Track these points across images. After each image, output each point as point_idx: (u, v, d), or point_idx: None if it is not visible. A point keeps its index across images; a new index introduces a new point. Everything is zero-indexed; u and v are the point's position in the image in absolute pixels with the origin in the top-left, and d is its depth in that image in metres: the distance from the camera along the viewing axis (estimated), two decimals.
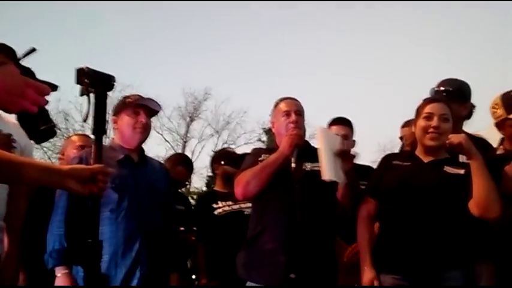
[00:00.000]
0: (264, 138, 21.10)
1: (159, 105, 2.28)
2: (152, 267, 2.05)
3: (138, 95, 2.30)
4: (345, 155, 1.98)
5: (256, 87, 29.00)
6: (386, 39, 29.15)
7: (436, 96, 2.19)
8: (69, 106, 18.44)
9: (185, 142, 21.30)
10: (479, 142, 2.25)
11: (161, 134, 20.93)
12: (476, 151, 1.90)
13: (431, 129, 2.01)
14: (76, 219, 2.00)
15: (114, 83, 1.33)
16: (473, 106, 2.35)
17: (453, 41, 28.90)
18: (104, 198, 1.96)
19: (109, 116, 2.08)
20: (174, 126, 21.49)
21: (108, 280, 1.90)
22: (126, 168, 2.13)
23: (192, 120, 21.82)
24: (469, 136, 2.28)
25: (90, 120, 1.31)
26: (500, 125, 2.03)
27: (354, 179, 2.07)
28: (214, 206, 2.93)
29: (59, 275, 1.98)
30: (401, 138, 2.91)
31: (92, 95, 1.30)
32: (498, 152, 2.11)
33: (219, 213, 2.90)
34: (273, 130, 2.31)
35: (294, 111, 2.18)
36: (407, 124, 2.83)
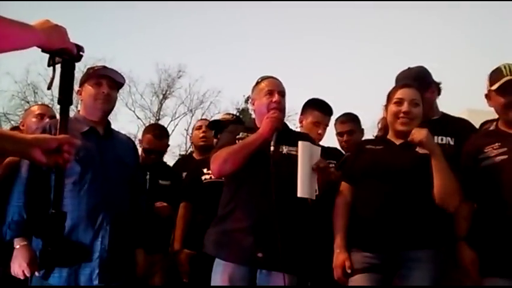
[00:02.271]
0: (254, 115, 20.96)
1: (122, 77, 2.25)
2: (116, 242, 2.02)
3: (103, 66, 2.25)
4: (322, 170, 2.01)
5: (231, 66, 28.76)
6: (375, 14, 28.99)
7: (407, 82, 2.24)
8: (38, 79, 17.92)
9: (158, 120, 21.01)
10: (459, 124, 2.32)
11: (133, 111, 20.62)
12: (436, 147, 1.97)
13: (401, 115, 2.07)
14: (37, 191, 1.95)
15: (82, 53, 1.31)
16: (438, 84, 2.42)
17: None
18: (67, 170, 1.95)
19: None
20: (146, 103, 21.22)
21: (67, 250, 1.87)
22: (90, 140, 2.08)
23: (165, 97, 21.54)
24: (449, 117, 2.38)
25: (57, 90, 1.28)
26: (487, 96, 2.09)
27: (327, 187, 2.12)
28: (205, 171, 2.83)
29: (17, 246, 1.94)
30: (338, 134, 2.90)
31: (58, 65, 1.27)
32: (490, 128, 2.17)
33: (205, 179, 2.81)
34: (253, 108, 2.31)
35: (278, 91, 2.19)
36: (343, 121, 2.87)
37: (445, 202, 1.96)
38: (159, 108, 21.33)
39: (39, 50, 1.23)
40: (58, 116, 1.36)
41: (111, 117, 2.26)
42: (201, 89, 22.89)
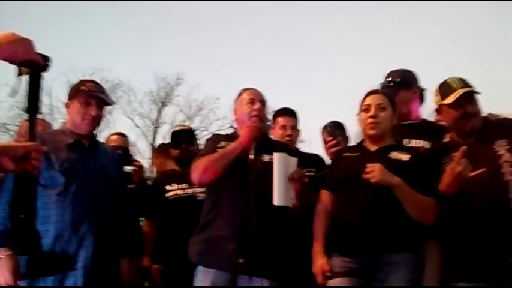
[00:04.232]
0: (236, 125, 21.05)
1: (111, 99, 2.31)
2: (100, 251, 2.05)
3: (94, 83, 2.27)
4: (298, 180, 2.04)
5: (229, 73, 28.66)
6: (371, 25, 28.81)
7: (373, 89, 2.29)
8: None
9: (156, 128, 21.05)
10: (440, 129, 2.30)
11: (132, 120, 20.64)
12: (392, 179, 1.96)
13: (369, 119, 2.12)
14: (23, 201, 1.97)
15: (49, 63, 1.35)
16: (422, 89, 2.48)
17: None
18: (52, 181, 2.02)
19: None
20: (145, 112, 21.20)
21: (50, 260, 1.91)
22: (75, 152, 2.13)
23: (164, 105, 21.56)
24: (429, 122, 2.44)
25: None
26: (438, 110, 2.13)
27: (305, 194, 2.14)
28: (168, 188, 2.87)
29: (1, 256, 1.97)
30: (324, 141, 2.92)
31: (26, 75, 1.32)
32: (445, 140, 2.19)
33: (171, 196, 2.85)
34: (235, 118, 2.35)
35: (259, 100, 2.25)
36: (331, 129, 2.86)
37: (421, 220, 1.99)
38: (158, 116, 21.37)
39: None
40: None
41: (109, 127, 2.33)
42: (199, 96, 22.91)
